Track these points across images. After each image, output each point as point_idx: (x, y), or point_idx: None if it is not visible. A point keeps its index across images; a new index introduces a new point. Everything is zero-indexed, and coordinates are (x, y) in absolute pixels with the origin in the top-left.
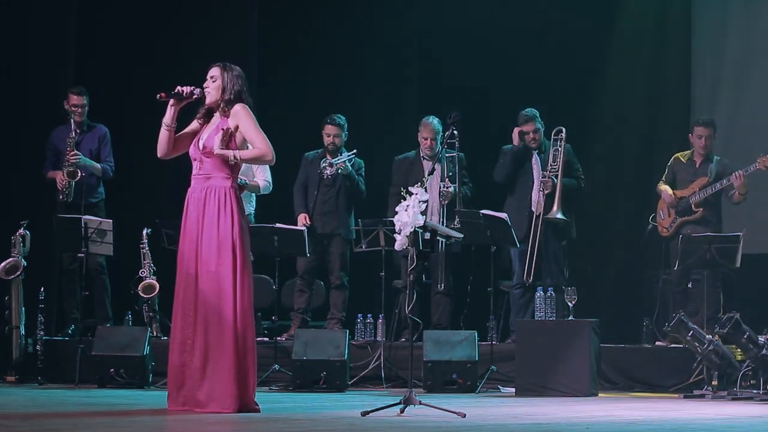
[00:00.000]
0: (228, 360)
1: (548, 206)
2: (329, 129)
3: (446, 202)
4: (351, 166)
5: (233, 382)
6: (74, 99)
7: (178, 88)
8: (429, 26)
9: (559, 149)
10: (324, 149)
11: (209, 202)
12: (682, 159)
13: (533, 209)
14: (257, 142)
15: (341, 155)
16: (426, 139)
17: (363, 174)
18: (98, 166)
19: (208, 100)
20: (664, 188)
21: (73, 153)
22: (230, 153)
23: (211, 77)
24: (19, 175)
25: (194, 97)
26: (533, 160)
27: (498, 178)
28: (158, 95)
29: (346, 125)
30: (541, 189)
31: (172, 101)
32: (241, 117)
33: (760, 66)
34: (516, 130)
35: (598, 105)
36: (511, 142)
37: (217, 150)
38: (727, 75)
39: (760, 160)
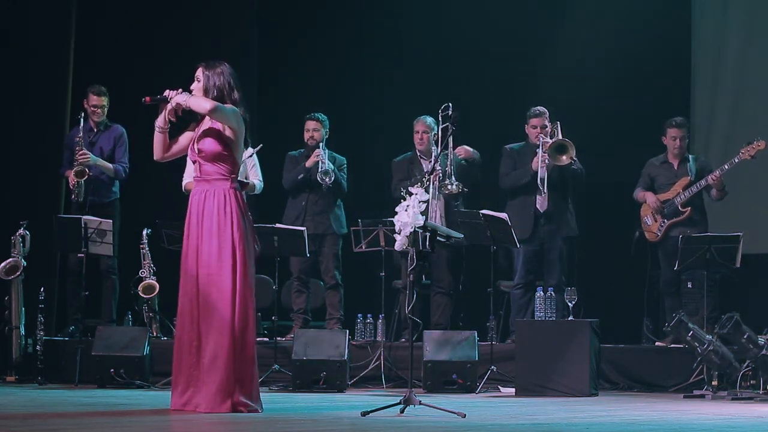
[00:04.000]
0: (226, 360)
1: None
2: (309, 124)
3: (448, 192)
4: (333, 163)
5: (231, 384)
6: (94, 99)
7: (166, 92)
8: (429, 26)
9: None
10: (308, 148)
11: (209, 204)
12: (657, 163)
13: (538, 207)
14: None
15: (325, 156)
16: (418, 132)
17: (345, 171)
18: (110, 166)
19: None
20: (647, 194)
21: (81, 152)
22: (180, 97)
23: (196, 78)
24: (19, 175)
25: None
26: (540, 155)
27: (504, 186)
28: (143, 99)
29: (327, 122)
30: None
31: (162, 104)
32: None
33: (760, 66)
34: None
35: (598, 105)
36: (513, 141)
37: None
38: (727, 75)
39: (743, 150)
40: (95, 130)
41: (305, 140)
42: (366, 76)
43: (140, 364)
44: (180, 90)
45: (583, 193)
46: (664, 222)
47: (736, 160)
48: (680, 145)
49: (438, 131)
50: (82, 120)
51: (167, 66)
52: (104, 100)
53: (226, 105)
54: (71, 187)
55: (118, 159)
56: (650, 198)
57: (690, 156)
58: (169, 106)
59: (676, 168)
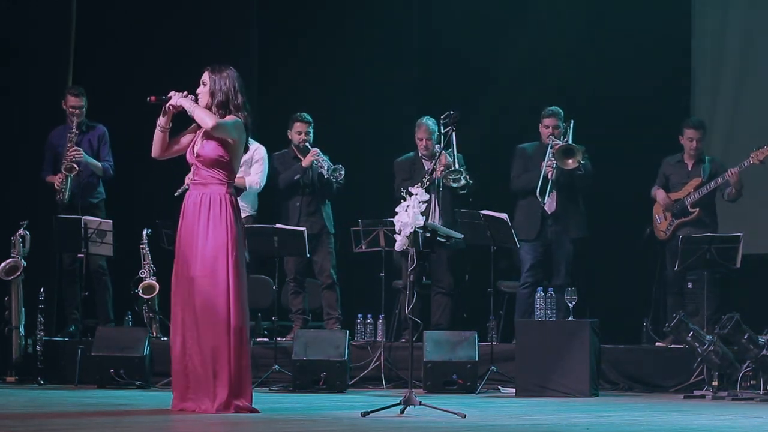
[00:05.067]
0: (224, 362)
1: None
2: (299, 126)
3: (457, 186)
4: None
5: (229, 384)
6: (72, 100)
7: (171, 93)
8: (429, 27)
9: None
10: (293, 148)
11: (204, 209)
12: (672, 162)
13: (546, 209)
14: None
15: (323, 158)
16: (421, 139)
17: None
18: (99, 164)
19: (201, 105)
20: (658, 191)
21: (74, 149)
22: (186, 102)
23: (203, 82)
24: (18, 175)
25: None
26: (546, 161)
27: (515, 189)
28: (148, 98)
29: (313, 122)
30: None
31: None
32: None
33: (760, 66)
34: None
35: (598, 104)
36: (512, 142)
37: (176, 101)
38: (727, 75)
39: (753, 155)
40: (77, 131)
41: (296, 142)
42: (366, 76)
43: (140, 364)
44: (186, 93)
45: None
46: (673, 221)
47: (746, 164)
48: (696, 146)
49: (440, 133)
50: (75, 120)
51: (167, 66)
52: (82, 101)
53: (227, 118)
54: (57, 186)
55: (103, 158)
56: (660, 195)
57: (706, 157)
58: (172, 102)
59: (690, 168)
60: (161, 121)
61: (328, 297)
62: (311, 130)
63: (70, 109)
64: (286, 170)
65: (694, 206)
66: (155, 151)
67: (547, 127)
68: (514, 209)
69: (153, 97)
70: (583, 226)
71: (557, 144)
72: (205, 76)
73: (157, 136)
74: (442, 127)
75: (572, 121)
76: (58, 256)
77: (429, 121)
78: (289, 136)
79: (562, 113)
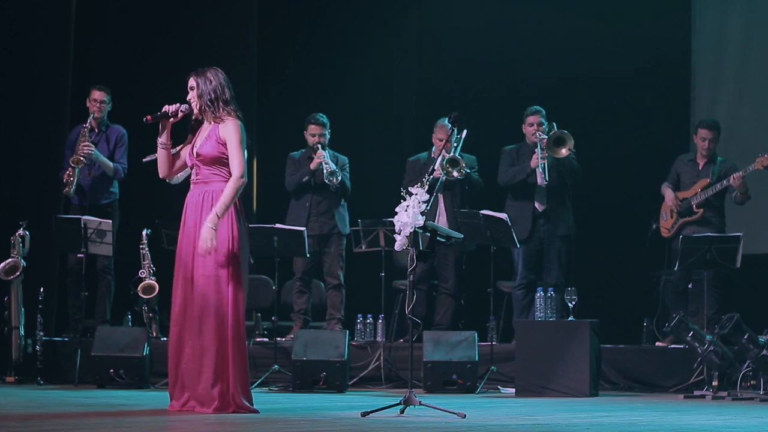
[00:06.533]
0: (224, 363)
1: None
2: (314, 129)
3: (455, 177)
4: (336, 164)
5: (229, 384)
6: (95, 94)
7: (165, 107)
8: (428, 28)
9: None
10: (309, 149)
11: (206, 207)
12: (685, 160)
13: (537, 207)
14: (235, 161)
15: (327, 157)
16: (441, 140)
17: (348, 170)
18: (110, 164)
19: (195, 111)
20: (666, 190)
21: (85, 144)
22: (213, 222)
23: (191, 87)
24: (19, 175)
25: (181, 113)
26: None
27: (502, 182)
28: (145, 118)
29: (329, 123)
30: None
31: (164, 120)
32: (230, 134)
33: (760, 65)
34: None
35: (599, 105)
36: (511, 142)
37: (210, 229)
38: (728, 74)
39: (759, 160)
40: (96, 131)
41: (310, 144)
42: (366, 76)
43: (140, 364)
44: (178, 105)
45: (583, 191)
46: (678, 219)
47: (751, 169)
48: (708, 147)
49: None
50: (91, 116)
51: (168, 66)
52: (105, 96)
53: (229, 124)
54: (65, 180)
55: (117, 159)
56: (668, 195)
57: (718, 158)
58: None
59: (700, 168)
60: (161, 138)
61: (333, 298)
62: (327, 132)
63: (91, 102)
64: (298, 171)
65: (699, 206)
66: (162, 171)
67: (531, 125)
68: (504, 209)
69: (149, 117)
70: (571, 223)
71: (545, 139)
72: (192, 81)
73: (161, 155)
74: (451, 129)
75: (554, 123)
76: (62, 256)
77: (449, 124)
78: (306, 137)
79: (545, 111)
